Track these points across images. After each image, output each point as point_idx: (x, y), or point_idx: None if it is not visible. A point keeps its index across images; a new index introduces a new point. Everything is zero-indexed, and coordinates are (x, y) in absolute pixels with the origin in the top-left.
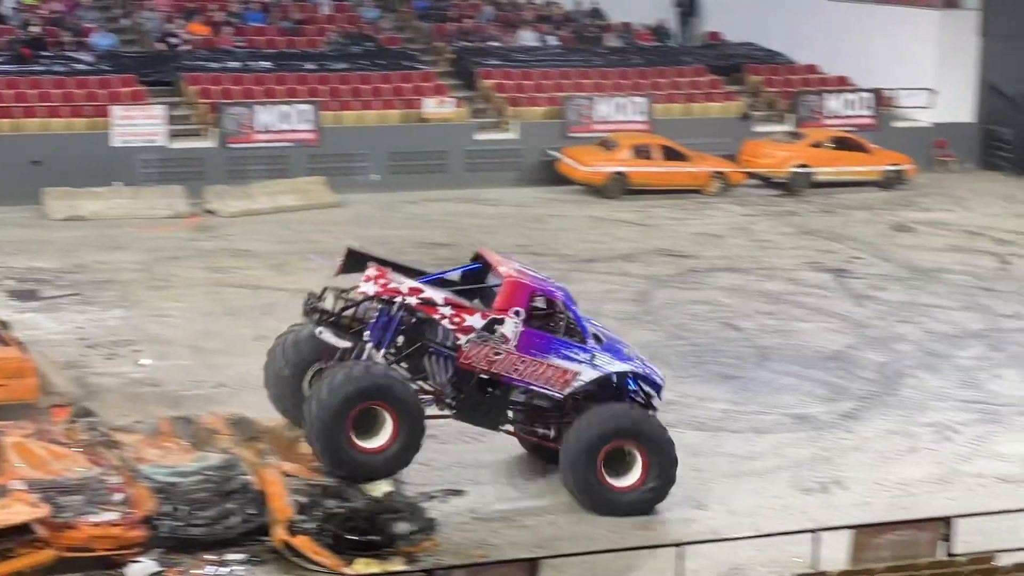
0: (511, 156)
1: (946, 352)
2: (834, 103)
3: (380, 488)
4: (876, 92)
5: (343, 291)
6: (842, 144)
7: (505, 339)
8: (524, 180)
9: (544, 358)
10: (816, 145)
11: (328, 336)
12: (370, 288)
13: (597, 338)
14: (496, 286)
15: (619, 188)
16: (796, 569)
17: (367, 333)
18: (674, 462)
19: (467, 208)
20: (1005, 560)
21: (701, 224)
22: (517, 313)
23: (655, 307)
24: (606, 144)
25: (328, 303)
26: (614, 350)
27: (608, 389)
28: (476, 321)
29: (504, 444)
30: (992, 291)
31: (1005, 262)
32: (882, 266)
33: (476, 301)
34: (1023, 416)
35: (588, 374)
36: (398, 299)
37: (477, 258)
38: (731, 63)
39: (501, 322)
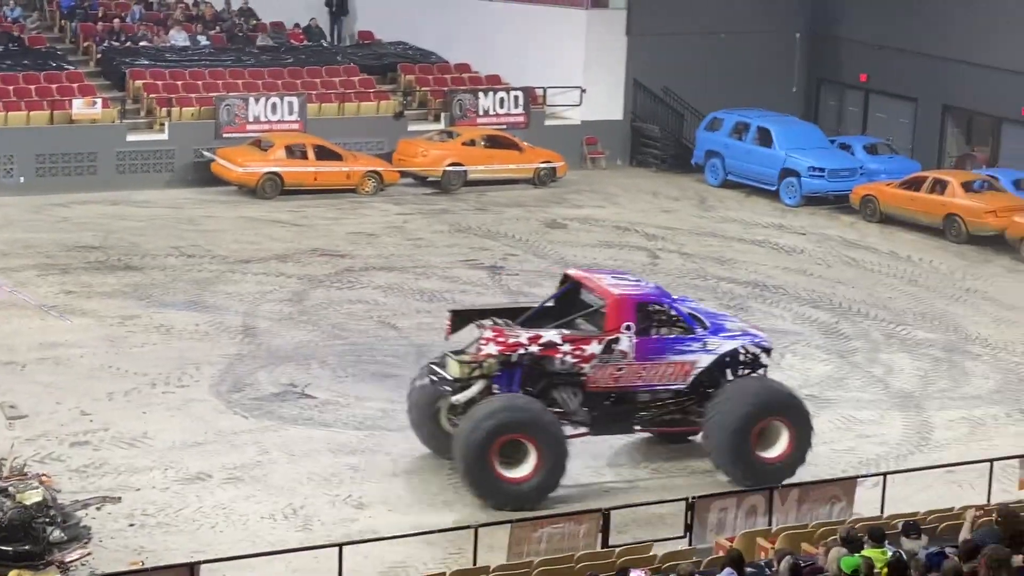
0: (163, 157)
1: None
2: (487, 102)
3: (32, 497)
4: (528, 91)
5: (458, 353)
6: (495, 142)
7: (624, 355)
8: (177, 181)
9: (662, 359)
10: (469, 144)
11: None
12: (492, 349)
13: (700, 321)
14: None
15: (274, 188)
16: (455, 566)
17: (495, 387)
18: (811, 431)
19: (118, 210)
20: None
21: (356, 223)
22: (628, 328)
23: (311, 307)
24: (260, 144)
25: (452, 369)
26: (719, 328)
27: (723, 364)
28: (594, 348)
29: (165, 445)
30: None
31: (655, 256)
32: (536, 263)
33: (580, 322)
34: None
35: (704, 360)
36: (521, 351)
37: (566, 279)
38: (384, 62)
39: (616, 341)
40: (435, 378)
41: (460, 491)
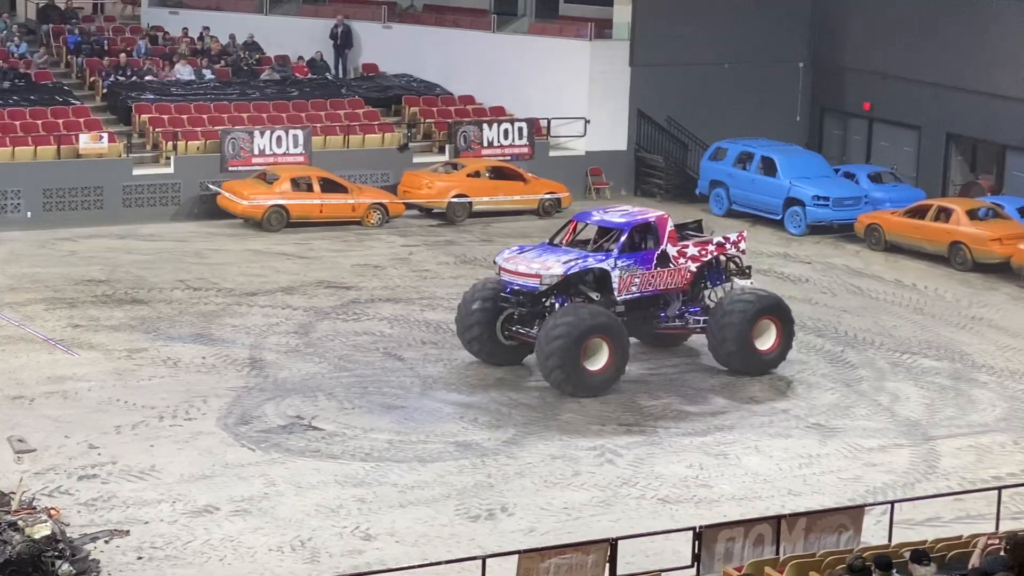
0: (169, 191)
1: None
2: (491, 133)
3: (41, 530)
4: (532, 122)
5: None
6: (499, 174)
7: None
8: (183, 215)
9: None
10: (474, 175)
11: None
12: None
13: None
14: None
15: (279, 221)
16: None
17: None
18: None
19: (125, 244)
20: None
21: (362, 255)
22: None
23: (318, 339)
24: (265, 177)
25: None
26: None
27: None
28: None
29: (173, 478)
30: None
31: None
32: None
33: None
34: (680, 437)
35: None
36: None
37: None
38: (388, 95)
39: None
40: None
41: (467, 522)
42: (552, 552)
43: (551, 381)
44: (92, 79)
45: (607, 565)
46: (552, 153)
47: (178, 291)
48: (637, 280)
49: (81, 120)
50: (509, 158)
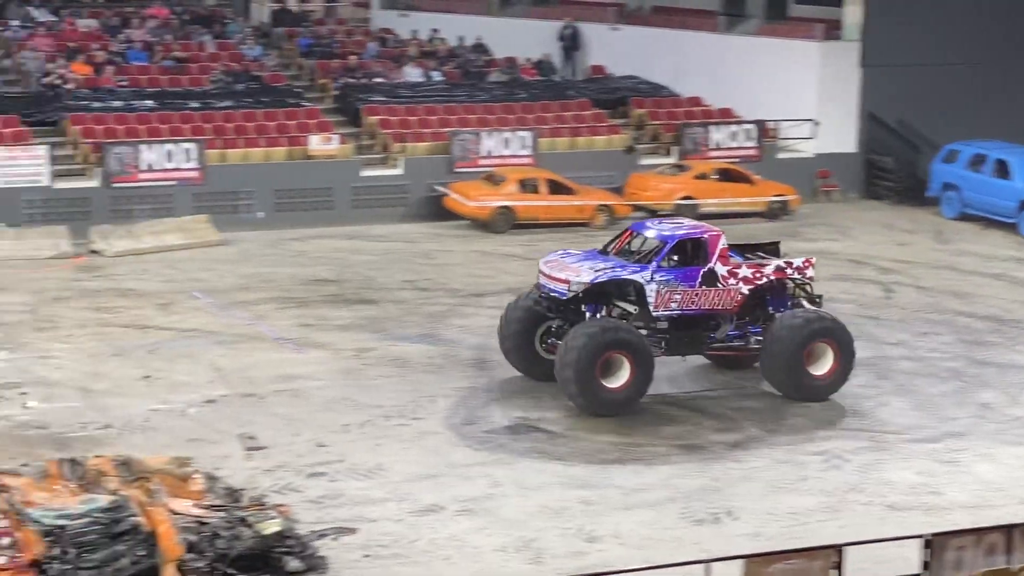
0: (397, 192)
1: None
2: (718, 135)
3: (271, 526)
4: (760, 124)
5: None
6: (727, 176)
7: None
8: (410, 216)
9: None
10: (701, 177)
11: None
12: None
13: None
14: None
15: (506, 222)
16: None
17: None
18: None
19: (353, 244)
20: None
21: None
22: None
23: None
24: (492, 178)
25: None
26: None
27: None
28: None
29: (399, 477)
30: (877, 320)
31: (889, 291)
32: None
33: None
34: (910, 443)
35: None
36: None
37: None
38: (615, 96)
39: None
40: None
41: (691, 526)
42: (778, 557)
43: (567, 396)
44: (323, 81)
45: (834, 571)
46: (780, 155)
47: (405, 291)
48: (678, 297)
49: (312, 122)
50: (737, 160)
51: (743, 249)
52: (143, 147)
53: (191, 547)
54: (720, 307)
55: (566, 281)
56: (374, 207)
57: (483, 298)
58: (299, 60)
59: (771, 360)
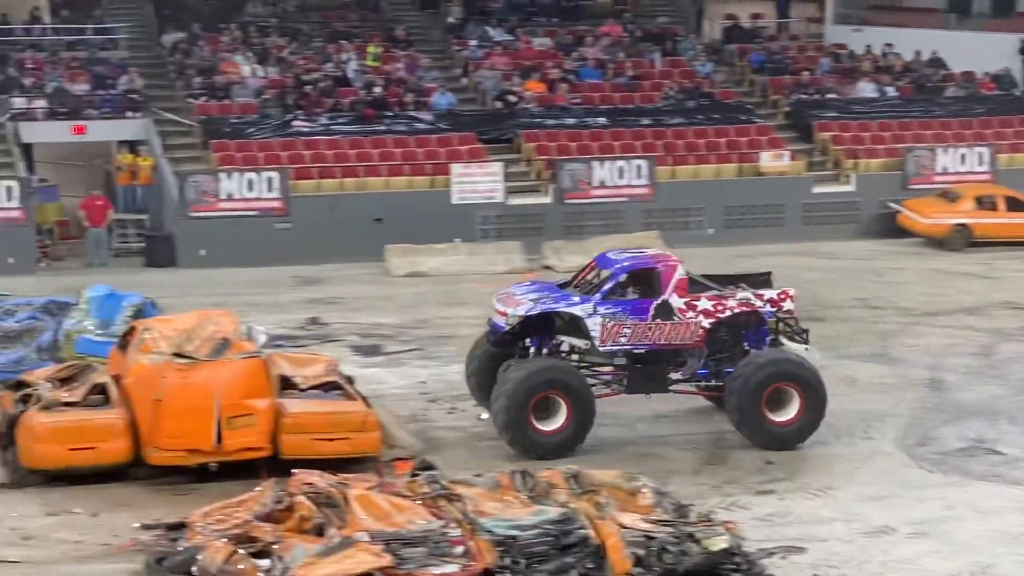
0: (848, 209)
1: None
2: None
3: (719, 542)
4: None
5: None
6: None
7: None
8: (862, 233)
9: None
10: None
11: None
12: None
13: None
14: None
15: (962, 240)
16: None
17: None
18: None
19: (804, 261)
20: None
21: None
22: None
23: (1000, 361)
24: (947, 195)
25: None
26: None
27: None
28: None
29: (849, 497)
30: None
31: None
32: None
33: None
34: None
35: None
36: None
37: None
38: None
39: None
40: None
41: None
42: None
43: (504, 441)
44: (775, 97)
45: None
46: None
47: (856, 309)
48: (627, 331)
49: (763, 138)
50: None
51: (728, 280)
52: (595, 164)
53: (639, 561)
54: (679, 342)
55: (504, 314)
56: (825, 224)
57: (936, 317)
58: (751, 76)
59: (731, 401)
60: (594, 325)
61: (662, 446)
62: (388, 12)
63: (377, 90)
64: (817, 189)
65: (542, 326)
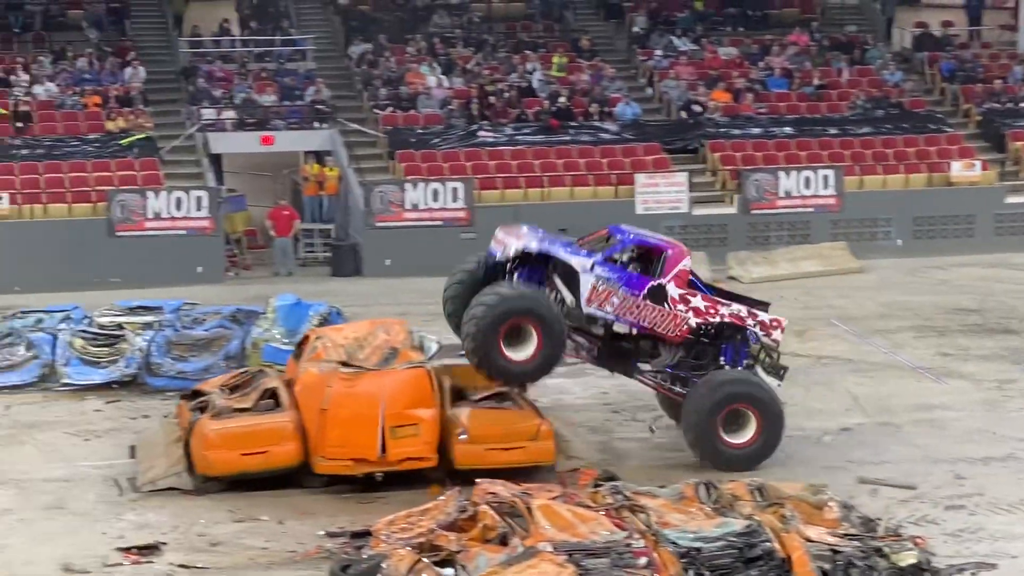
0: None
1: None
2: None
3: (907, 558)
4: None
5: None
6: None
7: None
8: None
9: None
10: None
11: None
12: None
13: None
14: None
15: None
16: None
17: None
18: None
19: (996, 273)
20: None
21: None
22: None
23: None
24: None
25: None
26: None
27: None
28: None
29: None
30: None
31: None
32: None
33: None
34: None
35: None
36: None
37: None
38: None
39: None
40: None
41: None
42: None
43: (470, 363)
44: (966, 106)
45: None
46: None
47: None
48: (615, 300)
49: (953, 148)
50: None
51: (729, 297)
52: (781, 174)
53: None
54: (661, 330)
55: (503, 243)
56: (1018, 234)
57: None
58: (941, 85)
59: (686, 417)
60: (586, 282)
61: (846, 460)
62: (573, 22)
63: (562, 100)
64: (1010, 199)
65: (535, 268)
